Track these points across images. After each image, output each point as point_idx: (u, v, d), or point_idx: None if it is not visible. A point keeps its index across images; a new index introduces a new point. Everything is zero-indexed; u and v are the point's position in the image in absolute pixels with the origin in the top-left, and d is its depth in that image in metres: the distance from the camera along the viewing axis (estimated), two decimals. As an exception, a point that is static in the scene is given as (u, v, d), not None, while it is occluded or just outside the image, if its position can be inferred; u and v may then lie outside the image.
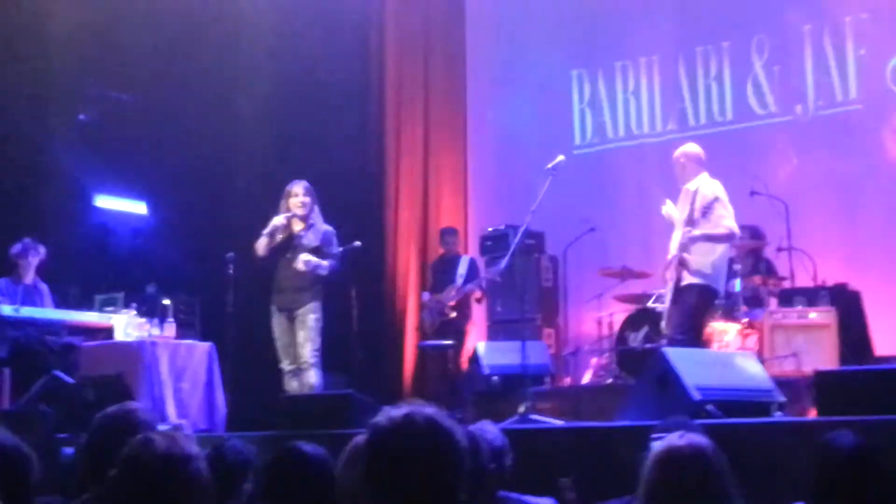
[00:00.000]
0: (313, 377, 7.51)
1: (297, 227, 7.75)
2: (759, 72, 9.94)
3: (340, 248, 8.05)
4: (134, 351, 7.79)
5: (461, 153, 11.56)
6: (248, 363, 8.21)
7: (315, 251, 7.66)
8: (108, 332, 8.17)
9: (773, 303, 8.27)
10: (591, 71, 10.96)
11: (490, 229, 10.49)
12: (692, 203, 7.07)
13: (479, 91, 11.60)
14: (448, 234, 10.40)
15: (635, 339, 8.71)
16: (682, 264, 6.96)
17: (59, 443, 5.93)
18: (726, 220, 7.05)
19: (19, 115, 9.36)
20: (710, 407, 5.19)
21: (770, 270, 8.57)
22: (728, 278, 7.61)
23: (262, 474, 3.49)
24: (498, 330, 10.04)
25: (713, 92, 10.21)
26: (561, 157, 7.20)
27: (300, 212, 7.69)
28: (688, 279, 7.00)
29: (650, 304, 8.57)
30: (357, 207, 11.01)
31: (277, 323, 7.71)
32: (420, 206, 11.40)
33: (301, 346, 7.57)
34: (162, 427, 3.47)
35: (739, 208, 8.18)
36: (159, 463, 2.56)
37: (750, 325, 7.98)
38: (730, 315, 8.03)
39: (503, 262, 7.63)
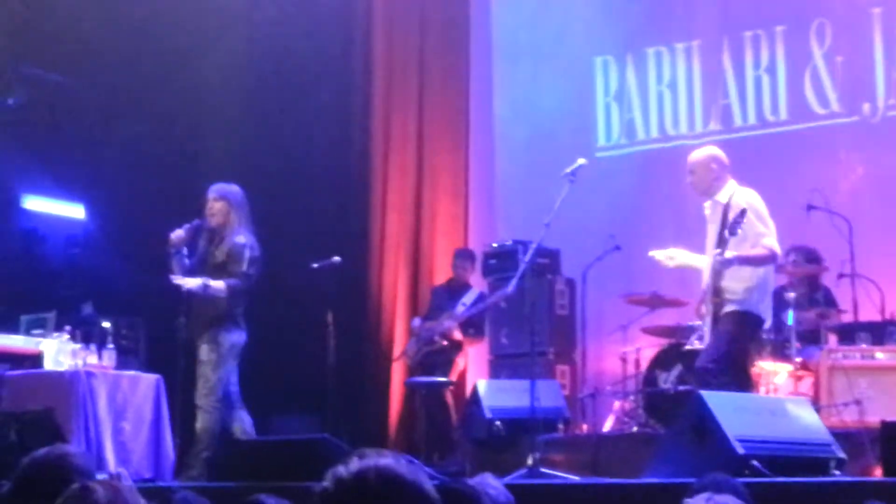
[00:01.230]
0: (198, 422, 7.57)
1: (216, 241, 7.84)
2: (820, 63, 9.99)
3: (316, 265, 8.07)
4: (66, 383, 7.79)
5: (462, 152, 11.57)
6: (201, 400, 8.22)
7: (220, 269, 7.69)
8: (35, 359, 8.18)
9: (832, 340, 8.30)
10: (619, 58, 11.01)
11: (495, 245, 10.50)
12: (724, 218, 7.01)
13: (485, 79, 11.63)
14: (461, 256, 10.43)
15: (666, 380, 8.73)
16: (717, 294, 6.90)
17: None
18: (766, 238, 7.01)
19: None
20: (755, 463, 5.22)
21: (829, 301, 8.60)
22: (778, 310, 7.62)
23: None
24: (502, 366, 10.04)
25: (764, 86, 10.25)
26: (581, 161, 7.24)
27: (211, 221, 7.76)
28: (725, 309, 6.96)
29: (689, 346, 8.53)
30: (336, 215, 11.05)
31: None
32: (412, 214, 11.42)
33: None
34: (100, 476, 3.47)
35: (793, 226, 8.24)
36: (101, 519, 2.58)
37: (804, 366, 8.00)
38: (780, 353, 8.05)
39: (510, 285, 7.64)
